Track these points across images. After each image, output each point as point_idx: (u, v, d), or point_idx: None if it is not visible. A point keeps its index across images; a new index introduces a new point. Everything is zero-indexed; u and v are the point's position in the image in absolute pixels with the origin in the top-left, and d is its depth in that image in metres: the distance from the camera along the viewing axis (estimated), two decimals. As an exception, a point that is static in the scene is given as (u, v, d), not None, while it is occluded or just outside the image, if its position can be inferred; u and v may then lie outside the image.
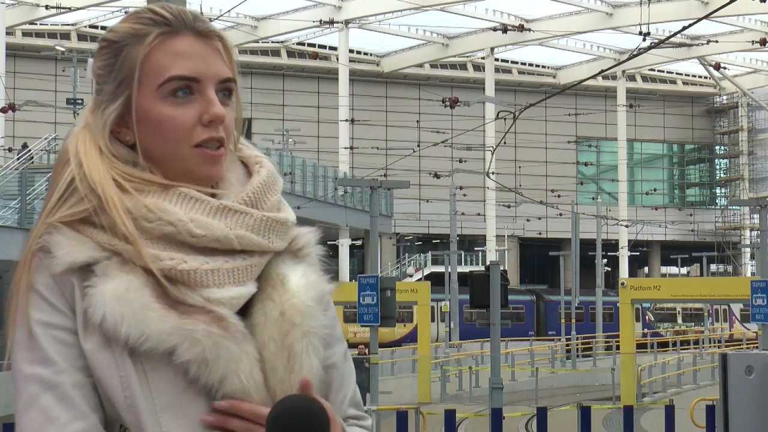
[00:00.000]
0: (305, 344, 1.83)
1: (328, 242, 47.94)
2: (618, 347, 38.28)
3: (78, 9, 54.42)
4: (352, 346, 29.98)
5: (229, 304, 1.81)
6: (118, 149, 1.87)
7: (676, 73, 79.32)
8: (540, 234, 73.52)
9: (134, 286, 1.77)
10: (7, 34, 50.27)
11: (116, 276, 1.77)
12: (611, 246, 65.91)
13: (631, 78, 75.70)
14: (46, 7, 45.57)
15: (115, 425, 1.80)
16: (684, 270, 79.99)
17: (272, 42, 65.34)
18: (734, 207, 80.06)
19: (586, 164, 73.13)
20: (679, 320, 63.60)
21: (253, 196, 1.88)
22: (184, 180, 1.86)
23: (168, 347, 1.75)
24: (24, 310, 1.80)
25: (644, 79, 77.92)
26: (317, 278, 1.91)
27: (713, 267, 75.27)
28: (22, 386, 1.78)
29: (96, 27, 62.30)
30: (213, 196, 1.87)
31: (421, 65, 70.94)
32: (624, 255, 68.97)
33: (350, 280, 45.90)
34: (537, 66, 74.46)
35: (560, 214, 61.45)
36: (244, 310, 1.84)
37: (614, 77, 71.49)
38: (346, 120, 57.47)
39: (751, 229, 74.12)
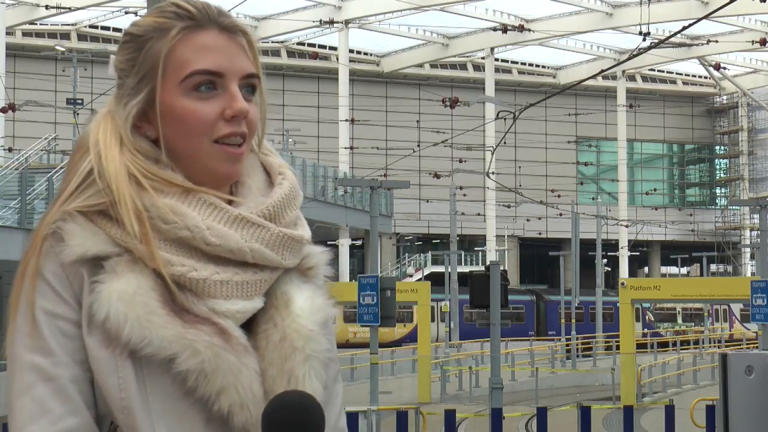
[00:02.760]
0: (307, 368, 1.80)
1: (328, 242, 47.92)
2: (618, 347, 38.25)
3: (78, 9, 54.42)
4: (352, 346, 29.95)
5: (233, 317, 1.79)
6: (141, 144, 1.84)
7: (676, 73, 79.31)
8: (540, 234, 73.52)
9: (143, 289, 1.74)
10: (7, 34, 50.24)
11: (125, 275, 1.75)
12: (611, 246, 65.89)
13: (631, 78, 75.69)
14: (46, 7, 45.58)
15: (105, 421, 1.78)
16: (684, 270, 79.98)
17: (272, 42, 65.31)
18: (734, 207, 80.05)
19: (586, 164, 73.16)
20: (679, 320, 63.58)
21: (273, 210, 1.85)
22: (204, 177, 1.84)
23: (168, 354, 1.73)
24: (29, 295, 1.77)
25: (644, 79, 77.91)
26: (323, 302, 1.88)
27: (713, 267, 75.24)
28: (18, 372, 1.75)
29: (96, 27, 62.33)
30: (230, 202, 1.84)
31: (421, 65, 70.93)
32: (624, 255, 68.96)
33: (350, 280, 45.91)
34: (537, 66, 74.45)
35: (560, 214, 61.44)
36: (248, 323, 1.82)
37: (614, 77, 71.49)
38: (346, 120, 57.47)
39: (751, 229, 74.12)
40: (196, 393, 1.74)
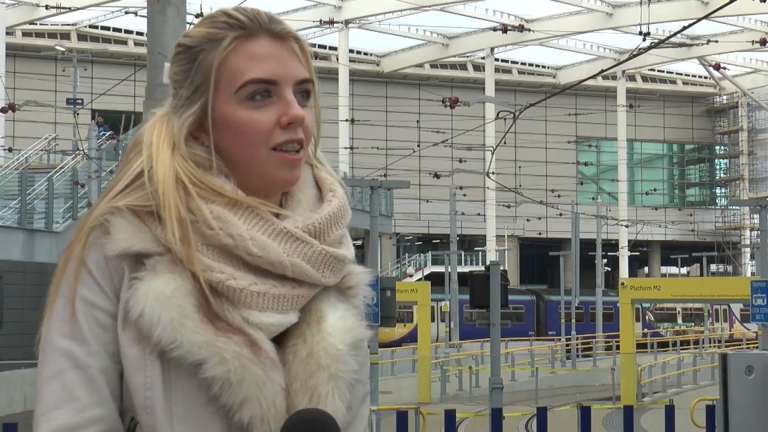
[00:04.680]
0: (331, 387, 1.81)
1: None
2: (618, 347, 38.27)
3: (78, 9, 54.41)
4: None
5: (266, 329, 1.80)
6: (196, 151, 1.86)
7: (676, 73, 79.31)
8: (540, 234, 73.50)
9: (180, 291, 1.76)
10: (7, 34, 50.23)
11: (164, 276, 1.77)
12: (611, 246, 65.88)
13: (631, 78, 75.68)
14: (46, 7, 45.56)
15: (126, 416, 1.81)
16: (684, 270, 79.96)
17: (272, 42, 65.26)
18: (734, 207, 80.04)
19: (586, 164, 73.15)
20: (679, 320, 63.58)
21: (319, 227, 1.86)
22: (261, 184, 1.85)
23: (196, 360, 1.75)
24: (71, 282, 1.80)
25: (644, 79, 77.91)
26: (356, 323, 1.88)
27: (713, 267, 75.23)
28: (51, 357, 1.78)
29: (96, 27, 62.32)
30: (277, 215, 1.85)
31: (421, 65, 70.93)
32: (624, 255, 68.94)
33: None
34: (537, 66, 74.45)
35: (560, 214, 61.42)
36: (280, 337, 1.83)
37: (614, 77, 71.47)
38: (346, 120, 57.47)
39: (751, 229, 74.10)
40: (219, 401, 1.76)
